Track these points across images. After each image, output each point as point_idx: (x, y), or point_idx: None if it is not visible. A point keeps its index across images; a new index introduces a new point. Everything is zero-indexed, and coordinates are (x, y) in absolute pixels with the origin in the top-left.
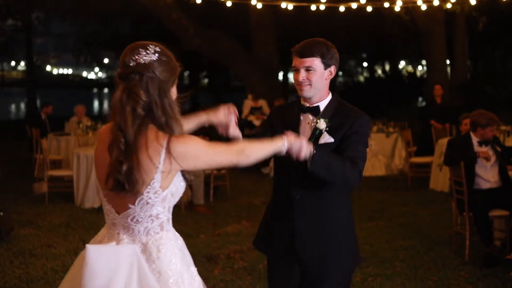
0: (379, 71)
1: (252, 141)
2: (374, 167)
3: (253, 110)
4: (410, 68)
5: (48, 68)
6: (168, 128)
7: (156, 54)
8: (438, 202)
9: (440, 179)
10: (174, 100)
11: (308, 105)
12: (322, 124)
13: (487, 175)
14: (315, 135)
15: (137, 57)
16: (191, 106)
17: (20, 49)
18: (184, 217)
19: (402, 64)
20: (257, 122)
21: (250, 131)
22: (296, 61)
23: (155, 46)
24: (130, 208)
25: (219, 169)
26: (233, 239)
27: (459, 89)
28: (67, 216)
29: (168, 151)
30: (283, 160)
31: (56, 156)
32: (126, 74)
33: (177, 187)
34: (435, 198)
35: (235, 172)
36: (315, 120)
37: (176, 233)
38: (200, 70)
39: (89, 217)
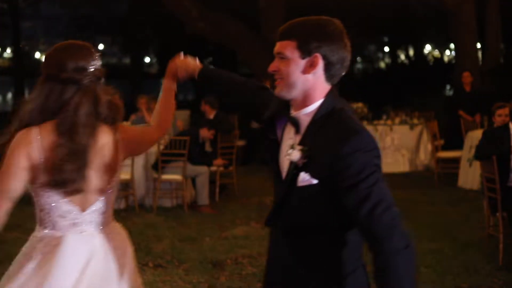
0: (402, 57)
1: None
2: (397, 163)
3: None
4: (436, 52)
5: (37, 55)
6: None
7: None
8: (468, 200)
9: (470, 175)
10: None
11: (293, 112)
12: (295, 154)
13: None
14: (291, 172)
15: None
16: (195, 96)
17: (6, 34)
18: (187, 218)
19: (427, 48)
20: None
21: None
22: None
23: None
24: None
25: (226, 166)
26: (242, 242)
27: (490, 75)
28: None
29: None
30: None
31: None
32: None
33: None
34: (464, 197)
35: (243, 168)
36: (288, 148)
37: None
38: (204, 56)
39: None
